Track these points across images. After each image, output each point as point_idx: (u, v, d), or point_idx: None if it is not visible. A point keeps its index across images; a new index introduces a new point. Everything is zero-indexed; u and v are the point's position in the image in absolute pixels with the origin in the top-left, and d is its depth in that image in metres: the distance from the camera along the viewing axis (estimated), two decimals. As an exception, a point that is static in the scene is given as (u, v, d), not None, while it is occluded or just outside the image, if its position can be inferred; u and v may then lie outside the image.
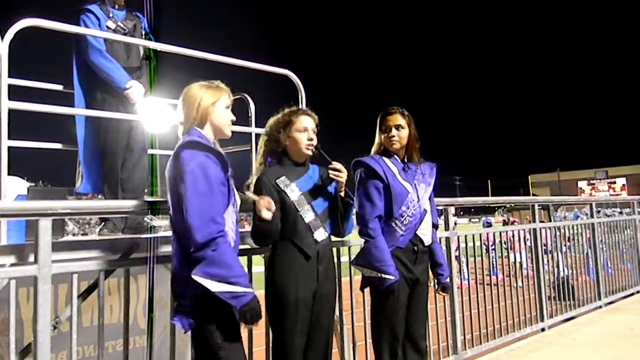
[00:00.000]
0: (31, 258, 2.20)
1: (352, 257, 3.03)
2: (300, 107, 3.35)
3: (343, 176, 2.61)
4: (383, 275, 2.77)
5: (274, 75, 3.99)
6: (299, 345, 2.45)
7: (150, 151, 3.80)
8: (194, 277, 1.96)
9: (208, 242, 1.97)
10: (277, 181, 2.50)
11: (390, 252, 2.82)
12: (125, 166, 3.58)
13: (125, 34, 3.59)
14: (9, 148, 2.64)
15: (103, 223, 3.49)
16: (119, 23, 3.60)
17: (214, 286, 1.96)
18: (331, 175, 2.59)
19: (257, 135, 3.75)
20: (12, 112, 2.69)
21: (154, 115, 3.67)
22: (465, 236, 4.48)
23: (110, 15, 3.58)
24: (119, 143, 3.51)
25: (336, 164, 2.60)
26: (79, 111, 3.40)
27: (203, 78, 2.28)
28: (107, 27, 3.53)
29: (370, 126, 3.11)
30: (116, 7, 3.66)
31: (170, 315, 2.33)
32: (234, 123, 2.33)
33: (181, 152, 2.08)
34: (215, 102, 2.23)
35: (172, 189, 2.11)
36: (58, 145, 3.57)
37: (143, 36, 3.78)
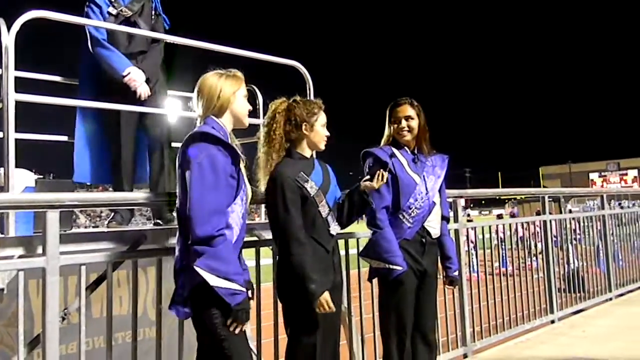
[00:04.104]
0: (39, 250, 2.21)
1: (361, 249, 3.02)
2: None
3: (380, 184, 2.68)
4: (391, 266, 2.76)
5: (277, 67, 3.93)
6: (320, 339, 2.43)
7: None
8: (196, 268, 1.95)
9: (207, 238, 1.97)
10: (296, 178, 2.43)
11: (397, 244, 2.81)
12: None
13: (129, 18, 3.50)
14: (17, 140, 2.64)
15: (112, 215, 3.49)
16: (122, 8, 3.50)
17: (213, 280, 1.96)
18: (379, 177, 2.64)
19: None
20: (20, 104, 2.69)
21: (162, 107, 3.63)
22: (475, 228, 4.45)
23: (113, 0, 3.51)
24: (124, 135, 3.46)
25: (386, 174, 2.68)
26: (86, 103, 3.38)
27: (206, 69, 2.24)
28: (108, 13, 3.45)
29: (377, 118, 3.08)
30: None
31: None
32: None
33: (191, 143, 2.07)
34: (236, 92, 2.22)
35: (179, 180, 2.11)
36: (64, 138, 3.56)
37: (154, 18, 3.68)
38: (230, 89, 2.20)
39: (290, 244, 2.38)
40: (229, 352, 2.03)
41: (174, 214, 3.47)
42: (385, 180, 2.63)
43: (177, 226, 3.06)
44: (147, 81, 3.49)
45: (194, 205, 1.99)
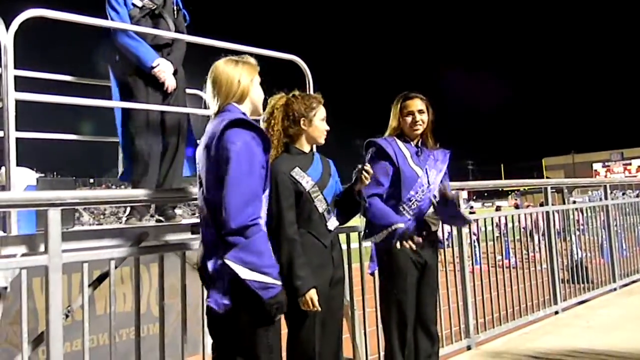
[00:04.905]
0: (42, 248, 2.22)
1: (363, 244, 3.02)
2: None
3: (368, 180, 2.59)
4: (393, 227, 2.75)
5: (275, 62, 3.88)
6: (319, 334, 2.43)
7: None
8: (227, 261, 1.90)
9: (241, 228, 1.90)
10: (291, 173, 2.42)
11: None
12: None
13: (153, 10, 3.46)
14: (18, 139, 2.64)
15: (129, 211, 3.43)
16: (146, 0, 3.45)
17: (244, 273, 1.90)
18: (363, 176, 2.55)
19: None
20: (22, 104, 2.69)
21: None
22: (477, 220, 4.44)
23: None
24: (143, 130, 3.36)
25: (368, 167, 2.58)
26: (87, 102, 3.35)
27: (204, 65, 2.22)
28: (133, 4, 3.40)
29: (378, 111, 3.07)
30: None
31: (185, 298, 2.33)
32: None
33: (228, 130, 1.98)
34: (253, 79, 2.17)
35: (211, 167, 2.03)
36: (65, 136, 3.54)
37: (175, 12, 3.63)
38: (249, 75, 2.14)
39: (279, 241, 2.35)
40: (270, 342, 2.02)
41: (176, 210, 3.48)
42: (370, 174, 2.56)
43: (179, 222, 3.10)
44: (174, 74, 3.45)
45: (229, 195, 1.92)
